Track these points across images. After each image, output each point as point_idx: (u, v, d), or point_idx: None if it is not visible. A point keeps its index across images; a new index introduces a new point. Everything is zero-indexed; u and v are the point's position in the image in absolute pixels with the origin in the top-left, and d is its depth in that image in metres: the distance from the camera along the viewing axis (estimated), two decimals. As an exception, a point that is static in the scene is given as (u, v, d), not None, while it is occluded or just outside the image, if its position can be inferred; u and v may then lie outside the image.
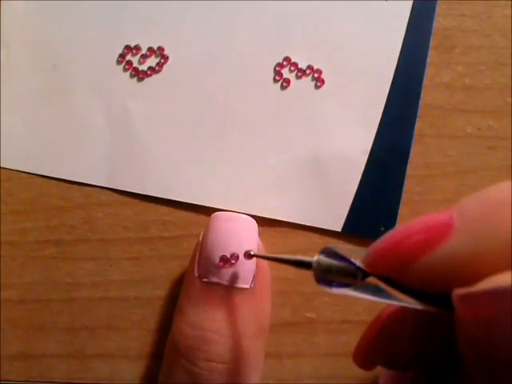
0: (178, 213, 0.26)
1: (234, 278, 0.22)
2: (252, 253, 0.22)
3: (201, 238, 0.23)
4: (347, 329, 0.25)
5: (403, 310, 0.17)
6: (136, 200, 0.26)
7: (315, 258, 0.16)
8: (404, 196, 0.25)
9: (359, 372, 0.25)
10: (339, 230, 0.25)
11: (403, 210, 0.25)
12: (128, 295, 0.26)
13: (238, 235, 0.22)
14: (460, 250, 0.13)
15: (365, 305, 0.25)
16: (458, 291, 0.12)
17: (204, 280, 0.22)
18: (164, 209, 0.26)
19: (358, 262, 0.15)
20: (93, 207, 0.26)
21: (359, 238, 0.25)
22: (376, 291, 0.15)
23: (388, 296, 0.14)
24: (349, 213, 0.25)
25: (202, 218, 0.26)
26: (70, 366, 0.26)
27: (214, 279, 0.22)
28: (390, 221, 0.25)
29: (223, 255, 0.22)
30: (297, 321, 0.25)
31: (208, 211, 0.25)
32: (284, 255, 0.19)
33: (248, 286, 0.22)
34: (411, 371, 0.18)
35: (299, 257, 0.18)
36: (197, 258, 0.23)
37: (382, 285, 0.15)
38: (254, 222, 0.23)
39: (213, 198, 0.25)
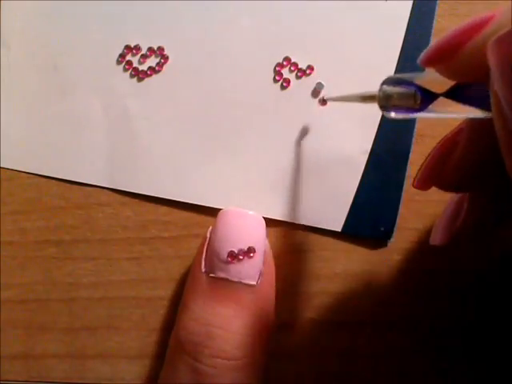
0: (177, 213, 0.26)
1: (241, 274, 0.22)
2: (325, 97, 0.23)
3: (208, 233, 0.23)
4: (347, 329, 0.25)
5: (457, 134, 0.19)
6: (136, 200, 0.26)
7: (378, 89, 0.17)
8: (404, 196, 0.25)
9: (359, 372, 0.25)
10: (339, 229, 0.25)
11: (403, 210, 0.25)
12: (128, 295, 0.26)
13: (246, 231, 0.23)
14: (503, 28, 0.13)
15: (365, 305, 0.25)
16: (493, 38, 0.13)
17: (211, 275, 0.22)
18: (164, 209, 0.26)
19: (416, 83, 0.16)
20: (93, 207, 0.26)
21: (359, 238, 0.25)
22: (434, 112, 0.16)
23: (445, 112, 0.16)
24: (349, 213, 0.25)
25: (202, 217, 0.26)
26: (70, 366, 0.26)
27: (222, 275, 0.22)
28: (390, 221, 0.25)
29: (231, 251, 0.22)
30: (297, 321, 0.25)
31: (208, 211, 0.25)
32: (351, 94, 0.21)
33: (255, 283, 0.22)
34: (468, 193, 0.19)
35: (364, 92, 0.19)
36: (204, 253, 0.23)
37: (437, 104, 0.16)
38: (262, 219, 0.23)
39: (213, 198, 0.25)
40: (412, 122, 0.25)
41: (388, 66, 0.25)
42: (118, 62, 0.26)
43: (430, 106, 0.16)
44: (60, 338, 0.26)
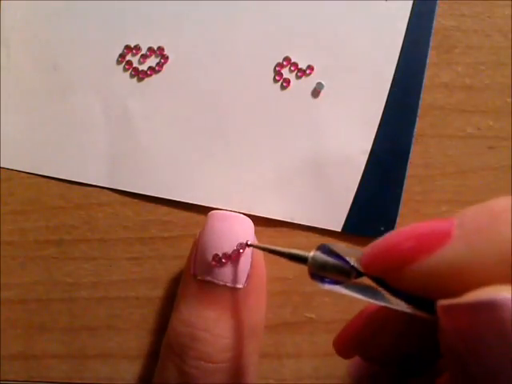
0: (177, 213, 0.26)
1: (228, 277, 0.22)
2: (249, 242, 0.22)
3: (197, 236, 0.23)
4: (347, 329, 0.25)
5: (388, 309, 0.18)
6: (136, 200, 0.26)
7: (311, 253, 0.17)
8: (404, 196, 0.25)
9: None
10: (339, 229, 0.25)
11: (403, 210, 0.25)
12: (128, 295, 0.26)
13: (232, 234, 0.22)
14: (454, 259, 0.13)
15: (365, 305, 0.25)
16: (442, 302, 0.12)
17: (198, 278, 0.22)
18: (164, 209, 0.26)
19: (352, 262, 0.16)
20: (93, 207, 0.26)
21: (359, 237, 0.25)
22: (367, 291, 0.15)
23: (378, 297, 0.15)
24: (349, 213, 0.25)
25: (202, 218, 0.25)
26: (70, 366, 0.26)
27: (207, 278, 0.22)
28: (390, 221, 0.25)
29: (215, 254, 0.22)
30: (297, 321, 0.25)
31: (208, 211, 0.25)
32: (280, 248, 0.19)
33: (241, 286, 0.22)
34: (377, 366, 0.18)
35: (295, 250, 0.18)
36: (193, 256, 0.23)
37: (373, 285, 0.15)
38: (249, 221, 0.23)
39: (213, 198, 0.25)
40: (412, 121, 0.25)
41: (388, 66, 0.25)
42: (118, 62, 0.26)
43: (355, 284, 0.16)
44: (60, 338, 0.26)
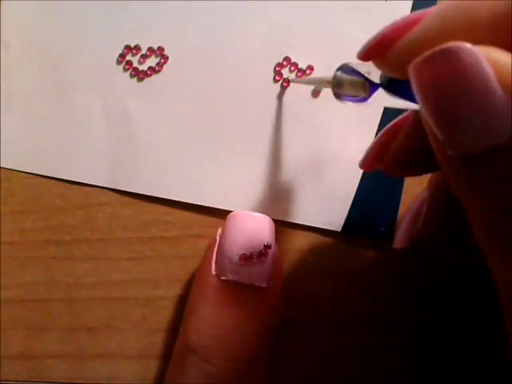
0: (177, 213, 0.26)
1: (253, 276, 0.22)
2: (289, 78, 0.24)
3: (218, 236, 0.23)
4: (347, 329, 0.25)
5: (403, 121, 0.19)
6: (136, 200, 0.26)
7: (332, 74, 0.18)
8: (404, 196, 0.25)
9: (359, 372, 0.25)
10: (339, 229, 0.25)
11: (403, 210, 0.25)
12: (128, 295, 0.26)
13: (257, 234, 0.23)
14: (428, 29, 0.14)
15: (365, 305, 0.25)
16: (415, 60, 0.13)
17: (222, 278, 0.22)
18: (164, 209, 0.26)
19: (366, 74, 0.17)
20: (93, 207, 0.26)
21: (359, 237, 0.25)
22: (386, 100, 0.16)
23: (395, 102, 0.16)
24: (349, 213, 0.25)
25: (202, 217, 0.26)
26: (69, 366, 0.26)
27: (234, 277, 0.22)
28: (390, 221, 0.25)
29: (243, 253, 0.22)
30: (297, 321, 0.25)
31: (208, 211, 0.25)
32: (313, 78, 0.22)
33: (265, 285, 0.22)
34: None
35: (322, 76, 0.20)
36: (214, 256, 0.23)
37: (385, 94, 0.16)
38: (271, 220, 0.23)
39: (213, 198, 0.25)
40: (412, 121, 0.25)
41: (388, 66, 0.25)
42: (118, 62, 0.26)
43: (376, 97, 0.17)
44: (60, 338, 0.26)
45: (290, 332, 0.25)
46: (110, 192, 0.26)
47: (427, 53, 0.13)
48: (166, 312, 0.26)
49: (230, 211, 0.25)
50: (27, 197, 0.26)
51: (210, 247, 0.23)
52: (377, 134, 0.25)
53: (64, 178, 0.26)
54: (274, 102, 0.25)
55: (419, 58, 0.13)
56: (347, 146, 0.25)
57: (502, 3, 0.13)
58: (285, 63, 0.25)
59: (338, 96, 0.18)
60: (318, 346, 0.25)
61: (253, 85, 0.25)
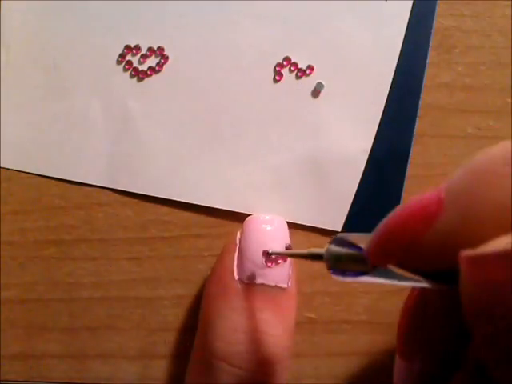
0: (177, 213, 0.26)
1: (277, 278, 0.23)
2: (270, 251, 0.22)
3: (238, 241, 0.23)
4: (347, 329, 0.25)
5: (425, 296, 0.17)
6: (136, 200, 0.26)
7: (325, 248, 0.16)
8: (404, 196, 0.25)
9: (359, 372, 0.25)
10: (339, 230, 0.25)
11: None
12: (128, 295, 0.26)
13: (278, 235, 0.23)
14: (453, 226, 0.13)
15: (365, 305, 0.25)
16: (466, 253, 0.12)
17: (247, 282, 0.22)
18: (164, 209, 0.26)
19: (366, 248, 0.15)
20: (93, 207, 0.26)
21: (359, 238, 0.25)
22: (388, 275, 0.15)
23: (400, 278, 0.14)
24: (349, 213, 0.25)
25: (202, 217, 0.26)
26: (70, 366, 0.26)
27: (259, 280, 0.22)
28: (390, 221, 0.25)
29: (268, 255, 0.22)
30: (297, 321, 0.25)
31: (208, 211, 0.25)
32: (298, 250, 0.20)
33: (286, 286, 0.23)
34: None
35: (311, 249, 0.18)
36: (235, 261, 0.23)
37: (393, 268, 0.14)
38: (285, 222, 0.24)
39: (213, 198, 0.25)
40: (412, 122, 0.25)
41: (388, 66, 0.25)
42: (118, 62, 0.26)
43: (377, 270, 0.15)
44: (60, 338, 0.26)
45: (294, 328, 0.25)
46: (110, 192, 0.26)
47: (493, 249, 0.11)
48: (165, 312, 0.26)
49: (230, 211, 0.25)
50: (27, 197, 0.26)
51: (228, 252, 0.23)
52: (377, 133, 0.25)
53: (64, 178, 0.26)
54: (273, 101, 0.25)
55: (480, 252, 0.12)
56: (347, 145, 0.25)
57: None
58: (285, 63, 0.25)
59: (333, 270, 0.16)
60: (319, 346, 0.25)
61: (253, 85, 0.25)
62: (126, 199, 0.26)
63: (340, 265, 0.16)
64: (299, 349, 0.25)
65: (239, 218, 0.25)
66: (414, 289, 0.18)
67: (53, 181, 0.26)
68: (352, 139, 0.25)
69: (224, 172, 0.25)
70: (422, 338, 0.17)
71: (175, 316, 0.25)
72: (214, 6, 0.25)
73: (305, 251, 0.18)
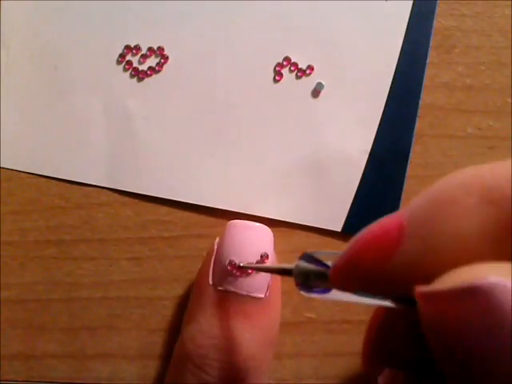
0: (177, 213, 0.26)
1: (250, 287, 0.22)
2: (241, 264, 0.22)
3: (216, 245, 0.23)
4: (347, 329, 0.25)
5: (390, 316, 0.17)
6: (136, 200, 0.26)
7: (294, 264, 0.16)
8: (404, 196, 0.25)
9: (359, 372, 0.25)
10: (339, 229, 0.25)
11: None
12: (128, 295, 0.26)
13: (254, 244, 0.22)
14: (414, 255, 0.12)
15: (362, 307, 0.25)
16: (419, 289, 0.11)
17: (219, 288, 0.22)
18: (164, 209, 0.26)
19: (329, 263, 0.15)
20: (93, 207, 0.26)
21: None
22: (354, 293, 0.15)
23: (364, 297, 0.14)
24: (349, 213, 0.25)
25: (202, 217, 0.26)
26: (70, 366, 0.26)
27: (230, 288, 0.22)
28: (390, 221, 0.25)
29: (239, 264, 0.22)
30: (297, 321, 0.25)
31: (208, 211, 0.25)
32: (268, 265, 0.20)
33: (263, 296, 0.22)
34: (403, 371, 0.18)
35: (280, 265, 0.18)
36: (211, 265, 0.23)
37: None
38: (269, 230, 0.23)
39: (213, 198, 0.25)
40: (412, 121, 0.25)
41: (388, 66, 0.25)
42: (118, 62, 0.26)
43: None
44: (60, 338, 0.26)
45: (290, 332, 0.25)
46: (110, 192, 0.26)
47: (447, 287, 0.11)
48: (165, 312, 0.26)
49: (230, 211, 0.25)
50: (27, 197, 0.26)
51: (208, 256, 0.23)
52: (377, 133, 0.25)
53: (64, 178, 0.26)
54: (273, 101, 0.25)
55: (433, 289, 0.11)
56: (347, 145, 0.25)
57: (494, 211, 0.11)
58: (285, 63, 0.25)
59: (301, 287, 0.16)
60: (319, 346, 0.25)
61: (253, 85, 0.25)
62: (126, 199, 0.26)
63: (307, 281, 0.16)
64: (299, 349, 0.25)
65: (239, 218, 0.25)
66: (378, 312, 0.17)
67: (53, 181, 0.26)
68: (352, 139, 0.25)
69: (224, 172, 0.25)
70: (386, 356, 0.17)
71: (175, 316, 0.25)
72: (214, 6, 0.25)
73: (274, 266, 0.19)
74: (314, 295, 0.16)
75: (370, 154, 0.25)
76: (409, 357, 0.17)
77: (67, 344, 0.26)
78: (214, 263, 0.23)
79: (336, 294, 0.15)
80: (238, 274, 0.22)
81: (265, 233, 0.23)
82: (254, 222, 0.23)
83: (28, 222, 0.26)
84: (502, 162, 0.12)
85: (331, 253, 0.16)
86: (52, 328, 0.26)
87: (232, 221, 0.23)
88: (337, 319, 0.25)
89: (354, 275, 0.14)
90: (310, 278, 0.16)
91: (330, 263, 0.15)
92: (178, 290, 0.25)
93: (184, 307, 0.25)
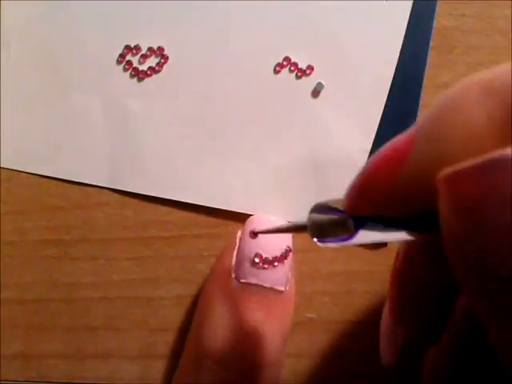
0: (178, 213, 0.26)
1: (273, 280, 0.22)
2: (256, 231, 0.22)
3: (238, 239, 0.23)
4: (347, 329, 0.25)
5: (411, 255, 0.17)
6: (136, 200, 0.26)
7: (307, 217, 0.16)
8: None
9: (359, 372, 0.25)
10: (339, 229, 0.25)
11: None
12: (128, 295, 0.26)
13: (278, 238, 0.23)
14: (425, 160, 0.12)
15: (365, 305, 0.25)
16: (443, 172, 0.11)
17: (242, 281, 0.22)
18: (164, 209, 0.26)
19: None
20: (93, 207, 0.26)
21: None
22: (370, 234, 0.15)
23: (383, 233, 0.14)
24: (349, 213, 0.25)
25: (202, 217, 0.26)
26: (69, 366, 0.26)
27: (254, 280, 0.22)
28: (390, 221, 0.25)
29: (265, 257, 0.22)
30: (297, 321, 0.25)
31: (208, 211, 0.25)
32: (282, 226, 0.19)
33: (283, 289, 0.22)
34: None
35: (295, 222, 0.18)
36: (234, 259, 0.23)
37: (375, 227, 0.14)
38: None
39: (213, 198, 0.25)
40: (412, 121, 0.25)
41: (388, 66, 0.25)
42: (118, 62, 0.26)
43: (362, 231, 0.14)
44: (60, 338, 0.26)
45: (290, 332, 0.25)
46: (110, 192, 0.26)
47: (470, 164, 0.10)
48: (165, 312, 0.26)
49: (230, 211, 0.25)
50: (27, 197, 0.26)
51: (228, 250, 0.23)
52: (377, 133, 0.25)
53: (64, 178, 0.26)
54: (273, 101, 0.25)
55: (456, 169, 0.11)
56: (347, 145, 0.25)
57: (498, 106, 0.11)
58: (285, 63, 0.25)
59: (319, 239, 0.16)
60: (319, 346, 0.25)
61: (253, 85, 0.25)
62: (126, 199, 0.26)
63: (324, 232, 0.15)
64: (299, 349, 0.25)
65: (239, 217, 0.25)
66: (400, 251, 0.17)
67: (53, 181, 0.26)
68: (352, 139, 0.25)
69: (224, 172, 0.25)
70: (410, 300, 0.17)
71: (175, 316, 0.25)
72: (214, 6, 0.25)
73: (289, 225, 0.18)
74: (331, 245, 0.15)
75: (370, 154, 0.25)
76: (434, 291, 0.16)
77: (67, 344, 0.26)
78: (237, 257, 0.23)
79: (353, 240, 0.15)
80: (266, 266, 0.22)
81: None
82: (274, 217, 0.24)
83: (28, 222, 0.26)
84: (502, 64, 0.12)
85: (341, 198, 0.15)
86: (52, 328, 0.26)
87: (253, 216, 0.24)
88: (337, 319, 0.25)
89: (369, 196, 0.13)
90: (325, 227, 0.15)
91: (341, 208, 0.15)
92: (178, 289, 0.25)
93: (184, 307, 0.25)
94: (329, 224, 0.15)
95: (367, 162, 0.14)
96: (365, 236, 0.15)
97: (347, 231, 0.15)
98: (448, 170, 0.11)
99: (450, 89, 0.13)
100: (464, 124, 0.12)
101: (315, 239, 0.16)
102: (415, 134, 0.13)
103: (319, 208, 0.16)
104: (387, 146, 0.13)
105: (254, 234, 0.22)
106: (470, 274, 0.11)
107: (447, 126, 0.12)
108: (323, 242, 0.16)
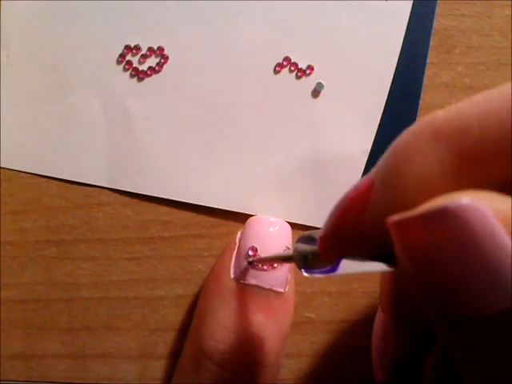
0: (177, 213, 0.26)
1: (273, 281, 0.22)
2: (250, 260, 0.22)
3: (238, 240, 0.23)
4: (347, 329, 0.25)
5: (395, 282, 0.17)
6: (136, 200, 0.26)
7: (292, 248, 0.16)
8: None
9: (359, 372, 0.25)
10: (339, 229, 0.25)
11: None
12: (128, 295, 0.26)
13: (277, 238, 0.23)
14: (384, 204, 0.13)
15: (365, 305, 0.25)
16: (390, 219, 0.12)
17: (241, 282, 0.22)
18: (164, 209, 0.26)
19: None
20: (93, 207, 0.26)
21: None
22: (351, 266, 0.15)
23: (363, 267, 0.14)
24: (349, 213, 0.25)
25: (202, 217, 0.26)
26: (69, 366, 0.26)
27: (253, 282, 0.22)
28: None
29: (265, 258, 0.22)
30: (297, 321, 0.25)
31: (208, 211, 0.25)
32: (271, 255, 0.20)
33: (283, 291, 0.23)
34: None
35: (281, 253, 0.18)
36: (233, 260, 0.23)
37: (355, 258, 0.15)
38: (289, 226, 0.24)
39: (213, 198, 0.25)
40: (412, 121, 0.25)
41: (388, 66, 0.25)
42: (118, 62, 0.26)
43: (344, 262, 0.15)
44: (60, 338, 0.26)
45: (290, 332, 0.25)
46: (110, 192, 0.26)
47: (417, 212, 0.11)
48: (165, 312, 0.26)
49: (230, 211, 0.25)
50: (27, 197, 0.26)
51: (228, 250, 0.23)
52: (377, 133, 0.25)
53: (64, 178, 0.26)
54: (273, 101, 0.25)
55: (406, 215, 0.11)
56: (347, 145, 0.25)
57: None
58: (285, 63, 0.25)
59: (306, 270, 0.16)
60: (319, 346, 0.25)
61: (253, 85, 0.25)
62: (126, 199, 0.26)
63: (306, 263, 0.16)
64: (299, 349, 0.25)
65: (239, 217, 0.25)
66: (384, 275, 0.18)
67: (53, 181, 0.26)
68: (352, 139, 0.25)
69: (224, 172, 0.25)
70: (404, 319, 0.17)
71: (175, 316, 0.25)
72: (214, 6, 0.25)
73: (277, 255, 0.19)
74: (317, 275, 0.16)
75: (370, 154, 0.25)
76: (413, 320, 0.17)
77: (67, 344, 0.26)
78: (236, 257, 0.23)
79: (337, 271, 0.15)
80: (265, 267, 0.22)
81: (286, 227, 0.24)
82: (274, 218, 0.24)
83: (28, 222, 0.26)
84: (453, 104, 0.13)
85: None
86: (52, 328, 0.26)
87: (254, 217, 0.24)
88: (337, 319, 0.25)
89: (339, 240, 0.14)
90: (308, 258, 0.16)
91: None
92: (178, 290, 0.26)
93: (184, 307, 0.25)
94: (312, 255, 0.16)
95: (333, 209, 0.15)
96: (348, 267, 0.15)
97: (331, 262, 0.15)
98: (396, 217, 0.11)
99: (402, 134, 0.14)
100: (415, 172, 0.12)
101: (302, 270, 0.16)
102: (374, 176, 0.14)
103: (305, 239, 0.16)
104: (350, 190, 0.14)
105: (250, 263, 0.22)
106: (427, 304, 0.12)
107: (399, 177, 0.13)
108: (310, 272, 0.16)
